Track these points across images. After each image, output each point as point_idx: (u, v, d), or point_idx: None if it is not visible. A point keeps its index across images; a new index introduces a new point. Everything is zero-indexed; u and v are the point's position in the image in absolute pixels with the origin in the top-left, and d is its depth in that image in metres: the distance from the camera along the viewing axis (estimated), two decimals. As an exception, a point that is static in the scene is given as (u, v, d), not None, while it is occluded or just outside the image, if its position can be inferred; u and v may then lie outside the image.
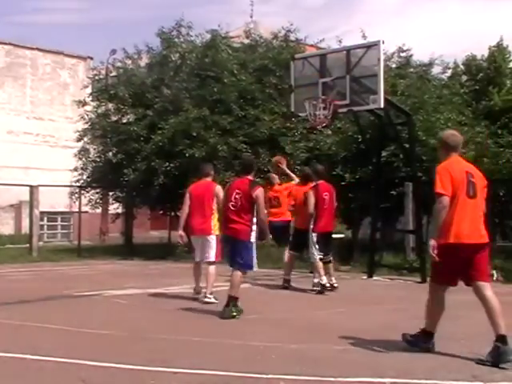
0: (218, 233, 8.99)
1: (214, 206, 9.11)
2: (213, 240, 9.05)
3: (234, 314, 7.71)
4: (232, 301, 7.79)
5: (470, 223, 5.66)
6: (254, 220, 7.91)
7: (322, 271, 10.00)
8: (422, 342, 5.95)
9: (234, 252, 7.97)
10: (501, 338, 5.50)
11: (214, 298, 8.83)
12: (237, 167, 16.86)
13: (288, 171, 12.20)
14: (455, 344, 6.21)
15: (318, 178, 10.39)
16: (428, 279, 5.94)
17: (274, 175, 12.20)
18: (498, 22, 65.53)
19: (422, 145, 15.27)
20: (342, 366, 5.39)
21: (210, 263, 9.05)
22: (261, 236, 8.08)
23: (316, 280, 10.13)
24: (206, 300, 8.85)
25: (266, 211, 8.22)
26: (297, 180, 11.52)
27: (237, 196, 7.88)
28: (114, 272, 14.08)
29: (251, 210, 7.84)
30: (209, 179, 9.43)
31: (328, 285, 10.05)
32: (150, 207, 20.37)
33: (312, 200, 10.03)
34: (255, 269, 8.08)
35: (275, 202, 11.56)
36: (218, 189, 9.12)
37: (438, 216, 5.67)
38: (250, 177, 8.14)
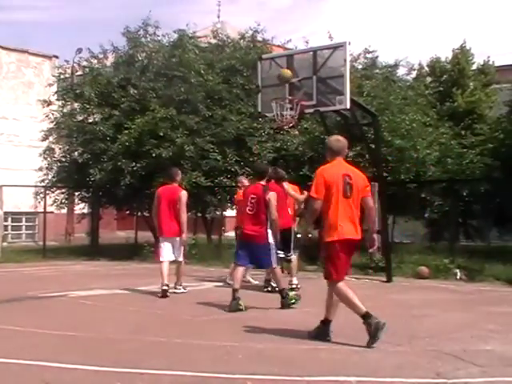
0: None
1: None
2: (181, 240, 9.85)
3: (292, 301, 8.48)
4: (283, 292, 8.52)
5: (349, 220, 6.21)
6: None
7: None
8: (326, 332, 6.41)
9: (256, 254, 8.46)
10: (368, 315, 6.20)
11: (183, 288, 10.00)
12: (204, 167, 16.88)
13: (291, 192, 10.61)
14: (420, 342, 6.31)
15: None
16: (332, 278, 6.32)
17: (243, 179, 12.15)
18: (462, 25, 66.52)
19: (388, 145, 15.45)
20: (308, 365, 5.43)
21: (179, 262, 9.95)
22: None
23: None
24: (176, 291, 9.83)
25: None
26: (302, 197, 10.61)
27: (252, 201, 8.48)
28: (79, 273, 13.96)
29: (266, 213, 8.39)
30: (175, 184, 10.09)
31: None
32: (117, 207, 20.23)
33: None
34: (275, 265, 8.62)
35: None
36: (183, 194, 9.86)
37: (310, 216, 6.49)
38: (262, 182, 8.67)
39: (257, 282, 11.04)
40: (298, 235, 10.14)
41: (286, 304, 8.43)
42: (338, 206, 6.16)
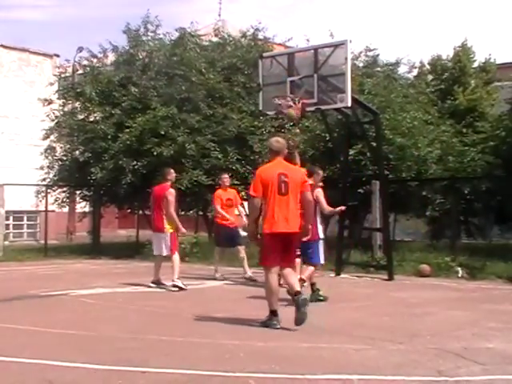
0: (171, 230, 10.28)
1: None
2: (166, 236, 10.33)
3: (321, 297, 8.81)
4: (313, 287, 8.88)
5: (283, 215, 6.74)
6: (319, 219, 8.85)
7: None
8: (274, 321, 6.81)
9: (306, 250, 8.64)
10: (274, 313, 6.81)
11: (183, 284, 10.18)
12: (205, 165, 16.87)
13: None
14: (421, 340, 6.31)
15: None
16: (261, 263, 7.06)
17: (226, 177, 12.18)
18: (463, 23, 66.40)
19: (389, 143, 15.43)
20: (310, 363, 5.42)
21: (171, 256, 10.32)
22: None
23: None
24: (174, 283, 10.14)
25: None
26: None
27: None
28: (81, 271, 13.97)
29: (316, 210, 8.49)
30: (168, 183, 10.53)
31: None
32: (118, 206, 20.22)
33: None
34: (323, 262, 9.07)
35: (229, 203, 11.84)
36: (168, 192, 10.31)
37: (251, 213, 7.16)
38: (310, 181, 8.66)
39: (250, 274, 11.31)
40: (244, 233, 10.46)
41: (313, 298, 8.61)
42: (273, 202, 6.74)
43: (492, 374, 5.02)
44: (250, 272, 11.38)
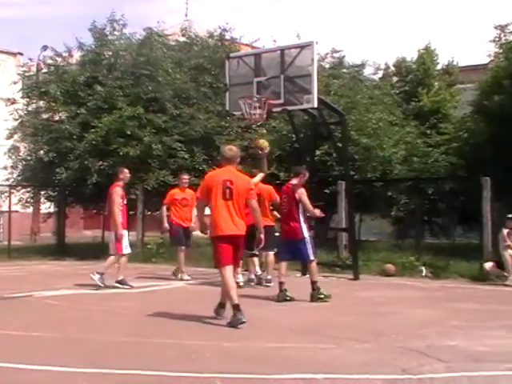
0: (118, 230, 10.25)
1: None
2: (112, 235, 10.40)
3: (321, 296, 8.89)
4: (314, 285, 8.98)
5: (228, 219, 7.17)
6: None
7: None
8: (238, 316, 6.98)
9: (296, 250, 9.09)
10: (236, 307, 6.98)
11: (128, 284, 10.34)
12: (171, 165, 16.80)
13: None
14: (386, 339, 6.38)
15: None
16: (217, 265, 7.44)
17: (185, 177, 12.19)
18: (427, 26, 67.29)
19: (355, 144, 15.58)
20: (276, 363, 5.44)
21: (115, 254, 10.41)
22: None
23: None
24: (92, 276, 10.28)
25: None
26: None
27: (285, 200, 9.28)
28: (45, 272, 13.79)
29: (298, 210, 9.07)
30: (120, 182, 10.58)
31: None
32: (83, 206, 20.03)
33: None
34: (313, 257, 9.16)
35: (184, 202, 11.90)
36: (114, 190, 10.38)
37: (197, 213, 7.73)
38: (294, 181, 9.38)
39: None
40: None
41: (315, 297, 8.88)
42: (218, 206, 7.18)
43: (454, 372, 5.10)
44: (268, 275, 10.91)
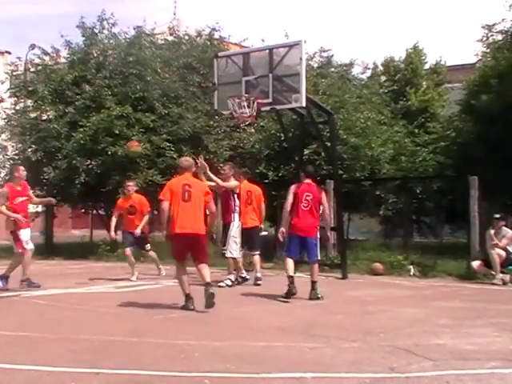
0: (11, 228, 10.40)
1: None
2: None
3: (319, 295, 9.12)
4: (314, 284, 9.22)
5: (184, 219, 7.95)
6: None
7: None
8: (189, 303, 7.98)
9: (304, 248, 9.34)
10: (188, 295, 8.02)
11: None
12: (160, 165, 16.76)
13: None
14: (374, 338, 6.40)
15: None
16: (174, 258, 8.29)
17: (130, 184, 12.19)
18: (415, 25, 67.48)
19: (343, 143, 15.62)
20: (265, 362, 5.45)
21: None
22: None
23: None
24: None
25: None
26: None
27: (308, 198, 9.21)
28: (33, 272, 13.64)
29: (319, 210, 9.31)
30: (15, 180, 10.55)
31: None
32: (72, 206, 19.94)
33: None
34: (320, 258, 9.56)
35: (132, 209, 11.88)
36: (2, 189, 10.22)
37: (161, 215, 8.13)
38: (308, 180, 9.42)
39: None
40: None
41: (314, 295, 9.09)
42: (178, 207, 7.98)
43: (442, 370, 5.12)
44: (257, 273, 11.03)
